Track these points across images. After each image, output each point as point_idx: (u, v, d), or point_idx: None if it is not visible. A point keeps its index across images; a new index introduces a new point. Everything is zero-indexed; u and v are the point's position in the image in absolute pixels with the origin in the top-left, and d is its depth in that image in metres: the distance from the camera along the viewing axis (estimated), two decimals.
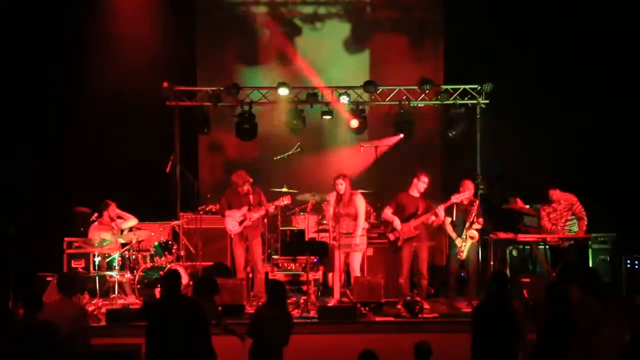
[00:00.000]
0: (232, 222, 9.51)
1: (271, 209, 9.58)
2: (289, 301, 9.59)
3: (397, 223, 9.37)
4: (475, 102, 11.64)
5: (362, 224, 9.46)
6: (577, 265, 9.57)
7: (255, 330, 6.27)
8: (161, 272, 9.50)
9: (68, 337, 5.83)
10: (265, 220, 9.90)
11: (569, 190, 9.89)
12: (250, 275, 9.73)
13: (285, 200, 9.71)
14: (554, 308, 5.92)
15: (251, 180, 9.61)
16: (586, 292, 6.07)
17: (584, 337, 5.84)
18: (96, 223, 10.09)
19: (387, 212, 9.49)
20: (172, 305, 6.04)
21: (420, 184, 9.41)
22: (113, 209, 10.12)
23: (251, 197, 9.51)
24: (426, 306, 9.11)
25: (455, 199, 9.33)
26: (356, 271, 9.40)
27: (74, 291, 6.57)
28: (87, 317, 6.53)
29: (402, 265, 9.35)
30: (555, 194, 9.78)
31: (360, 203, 9.49)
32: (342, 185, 9.33)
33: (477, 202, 9.51)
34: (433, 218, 9.35)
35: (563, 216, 9.76)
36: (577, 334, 5.85)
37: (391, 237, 9.44)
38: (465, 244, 9.36)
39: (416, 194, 9.45)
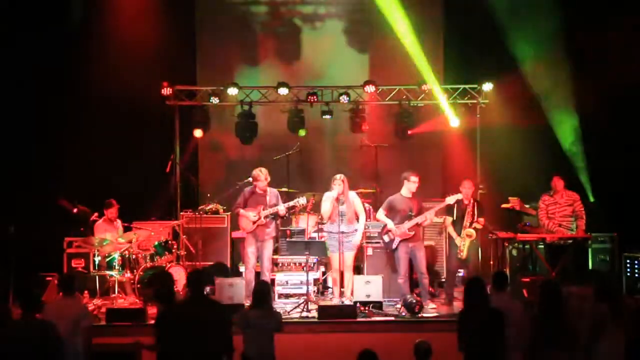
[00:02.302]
0: (246, 221, 9.50)
1: (283, 209, 9.50)
2: (290, 301, 9.69)
3: (390, 225, 9.36)
4: (475, 102, 11.65)
5: (363, 222, 9.51)
6: (577, 265, 9.59)
7: (241, 332, 6.27)
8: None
9: (69, 337, 5.82)
10: (279, 221, 9.90)
11: (570, 190, 9.90)
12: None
13: (302, 200, 9.67)
14: (545, 306, 5.92)
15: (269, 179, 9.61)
16: (596, 294, 6.06)
17: (590, 339, 5.83)
18: (101, 222, 10.10)
19: (381, 215, 9.49)
20: (199, 306, 6.04)
21: (411, 185, 9.37)
22: (114, 211, 10.11)
23: (268, 197, 9.50)
24: (430, 305, 9.15)
25: (449, 200, 9.35)
26: (349, 270, 9.43)
27: (75, 290, 6.56)
28: (89, 317, 6.50)
29: (400, 265, 9.36)
30: (559, 184, 9.77)
31: (358, 202, 9.55)
32: (340, 186, 9.33)
33: (474, 201, 9.51)
34: (427, 220, 9.37)
35: (562, 211, 9.74)
36: (583, 335, 5.84)
37: (386, 239, 9.44)
38: (464, 243, 9.37)
39: (408, 195, 9.42)
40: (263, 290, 6.52)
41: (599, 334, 5.83)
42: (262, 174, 9.48)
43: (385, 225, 9.41)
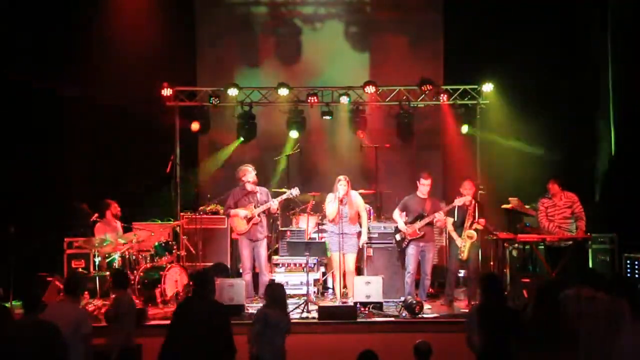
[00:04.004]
0: (240, 221, 9.49)
1: (276, 204, 9.53)
2: (290, 302, 9.68)
3: (401, 225, 9.44)
4: (475, 102, 11.65)
5: (366, 222, 9.54)
6: (577, 265, 9.58)
7: (257, 332, 6.25)
8: (161, 272, 9.51)
9: (68, 339, 5.79)
10: (272, 221, 9.90)
11: (569, 190, 9.88)
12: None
13: (294, 192, 9.69)
14: (541, 308, 5.90)
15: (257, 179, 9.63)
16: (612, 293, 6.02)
17: (604, 339, 5.80)
18: (100, 223, 10.10)
19: (396, 214, 9.60)
20: (200, 305, 6.03)
21: (421, 187, 9.46)
22: (115, 208, 10.15)
23: (258, 195, 9.50)
24: (427, 306, 9.14)
25: (458, 202, 9.35)
26: (351, 271, 9.44)
27: (80, 294, 6.53)
28: (89, 324, 6.45)
29: (410, 262, 9.44)
30: (554, 187, 9.77)
31: (361, 203, 9.56)
32: (345, 187, 9.35)
33: (473, 202, 9.51)
34: (436, 218, 9.41)
35: (561, 213, 9.73)
36: (596, 335, 5.81)
37: (397, 237, 9.55)
38: (465, 244, 9.38)
39: (422, 196, 9.49)
40: (282, 293, 6.52)
41: (617, 331, 5.78)
42: (250, 168, 9.50)
43: (397, 224, 9.54)
